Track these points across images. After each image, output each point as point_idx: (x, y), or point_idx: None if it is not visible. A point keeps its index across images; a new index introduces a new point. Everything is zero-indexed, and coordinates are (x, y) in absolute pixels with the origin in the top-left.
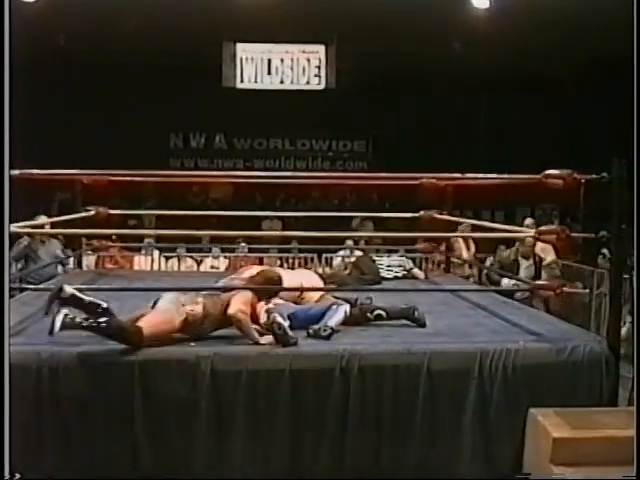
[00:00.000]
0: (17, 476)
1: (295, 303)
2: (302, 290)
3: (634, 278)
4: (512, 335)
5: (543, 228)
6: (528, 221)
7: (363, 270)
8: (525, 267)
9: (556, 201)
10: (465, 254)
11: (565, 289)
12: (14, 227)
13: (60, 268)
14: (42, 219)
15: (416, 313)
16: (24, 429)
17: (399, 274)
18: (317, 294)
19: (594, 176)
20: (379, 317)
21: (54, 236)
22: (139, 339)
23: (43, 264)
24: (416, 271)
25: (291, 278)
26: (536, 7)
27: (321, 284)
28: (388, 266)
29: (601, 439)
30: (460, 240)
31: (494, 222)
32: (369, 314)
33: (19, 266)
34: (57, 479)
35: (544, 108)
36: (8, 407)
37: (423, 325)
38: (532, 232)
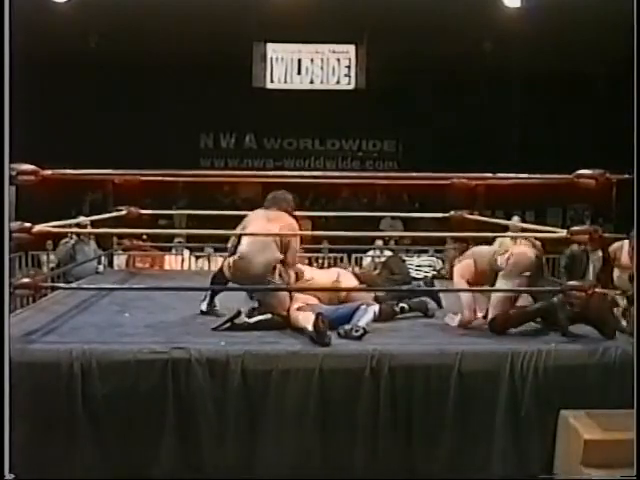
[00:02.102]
0: (11, 476)
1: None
2: (332, 290)
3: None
4: (543, 336)
5: (575, 228)
6: (515, 219)
7: (393, 270)
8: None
9: (588, 201)
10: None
11: (597, 290)
12: (44, 226)
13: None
14: (81, 219)
15: (428, 307)
16: (56, 427)
17: (429, 274)
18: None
19: (626, 176)
20: (403, 309)
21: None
22: None
23: (77, 263)
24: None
25: (325, 275)
26: (567, 6)
27: (357, 283)
28: (418, 266)
29: (633, 441)
30: (625, 248)
31: (525, 222)
32: (395, 308)
33: (51, 265)
34: (59, 479)
35: (576, 107)
36: (8, 407)
37: (432, 317)
38: (564, 232)
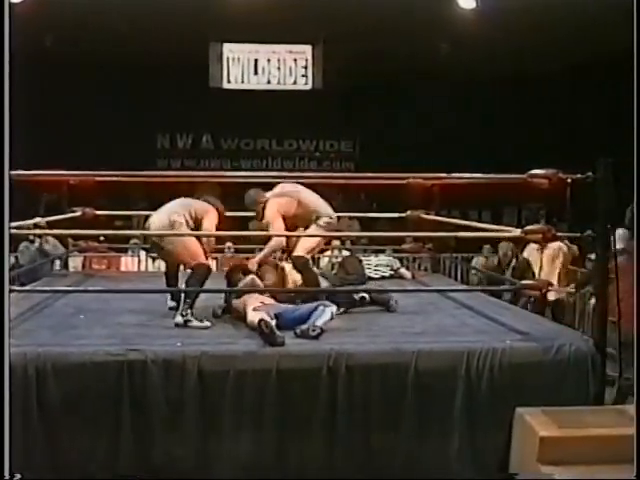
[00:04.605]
0: (18, 476)
1: None
2: (290, 292)
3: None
4: (499, 334)
5: (529, 227)
6: None
7: (348, 270)
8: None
9: (543, 201)
10: None
11: (550, 288)
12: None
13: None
14: (37, 220)
15: (391, 301)
16: (10, 430)
17: (386, 274)
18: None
19: (579, 176)
20: (363, 299)
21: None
22: None
23: (31, 265)
24: (403, 271)
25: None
26: (523, 8)
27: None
28: (375, 266)
29: (588, 438)
30: None
31: (481, 222)
32: (355, 296)
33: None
34: (50, 479)
35: (532, 108)
36: (8, 407)
37: (393, 311)
38: (518, 231)
